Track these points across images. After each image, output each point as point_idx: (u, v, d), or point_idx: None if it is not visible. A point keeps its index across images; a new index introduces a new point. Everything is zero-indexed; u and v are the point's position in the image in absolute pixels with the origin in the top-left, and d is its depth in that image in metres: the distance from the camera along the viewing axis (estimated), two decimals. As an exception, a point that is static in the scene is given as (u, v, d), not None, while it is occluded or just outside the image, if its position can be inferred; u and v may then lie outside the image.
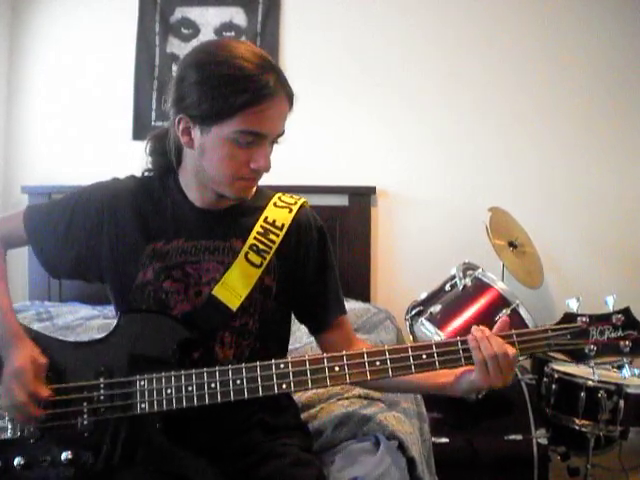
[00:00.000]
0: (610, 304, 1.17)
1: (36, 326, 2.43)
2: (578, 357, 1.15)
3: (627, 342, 1.14)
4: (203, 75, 1.13)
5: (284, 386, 1.12)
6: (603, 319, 1.15)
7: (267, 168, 1.20)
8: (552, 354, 2.46)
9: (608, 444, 2.26)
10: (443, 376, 1.22)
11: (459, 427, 2.15)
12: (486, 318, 1.95)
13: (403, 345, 1.15)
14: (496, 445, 2.09)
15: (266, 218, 1.30)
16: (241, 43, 1.18)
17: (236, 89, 1.10)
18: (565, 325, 1.15)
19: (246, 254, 1.26)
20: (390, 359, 1.13)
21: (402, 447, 1.40)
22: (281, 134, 1.21)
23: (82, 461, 1.11)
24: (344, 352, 1.14)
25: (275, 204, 1.34)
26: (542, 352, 1.17)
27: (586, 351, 1.14)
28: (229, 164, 1.17)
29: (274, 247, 1.27)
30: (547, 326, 1.15)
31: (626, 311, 1.15)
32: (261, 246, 1.27)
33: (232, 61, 1.12)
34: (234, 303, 1.23)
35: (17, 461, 1.11)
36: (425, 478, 1.44)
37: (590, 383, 2.16)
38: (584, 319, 1.15)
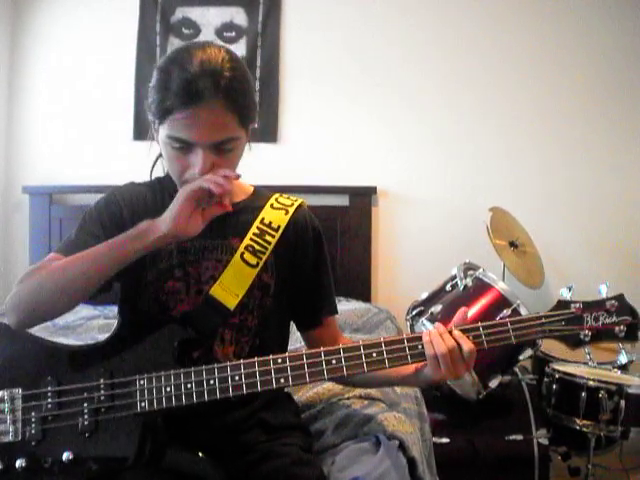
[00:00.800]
0: (603, 292, 1.18)
1: (36, 326, 2.44)
2: (573, 343, 1.16)
3: (622, 327, 1.14)
4: (155, 78, 1.16)
5: (282, 380, 1.13)
6: (597, 305, 1.16)
7: (202, 174, 1.15)
8: (552, 353, 2.47)
9: (609, 444, 2.26)
10: (405, 368, 1.24)
11: (460, 427, 2.15)
12: (487, 318, 1.93)
13: (398, 336, 1.17)
14: (497, 445, 2.09)
15: (262, 219, 1.31)
16: (204, 47, 1.15)
17: (167, 94, 1.11)
18: (559, 311, 1.16)
19: (242, 254, 1.27)
20: (386, 350, 1.15)
21: (403, 447, 1.40)
22: (221, 143, 1.15)
23: (83, 461, 1.12)
24: (341, 345, 1.16)
25: (272, 205, 1.34)
26: (538, 338, 1.19)
27: (581, 337, 1.15)
28: (171, 166, 1.20)
29: (270, 248, 1.28)
30: (541, 313, 1.16)
31: (620, 297, 1.16)
32: (257, 247, 1.28)
33: (177, 65, 1.12)
34: (231, 302, 1.24)
35: (19, 463, 1.12)
36: (426, 478, 1.43)
37: (591, 383, 2.16)
38: (578, 305, 1.16)
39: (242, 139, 1.20)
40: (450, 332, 1.15)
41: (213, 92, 1.10)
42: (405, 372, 1.24)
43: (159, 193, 1.33)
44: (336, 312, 1.42)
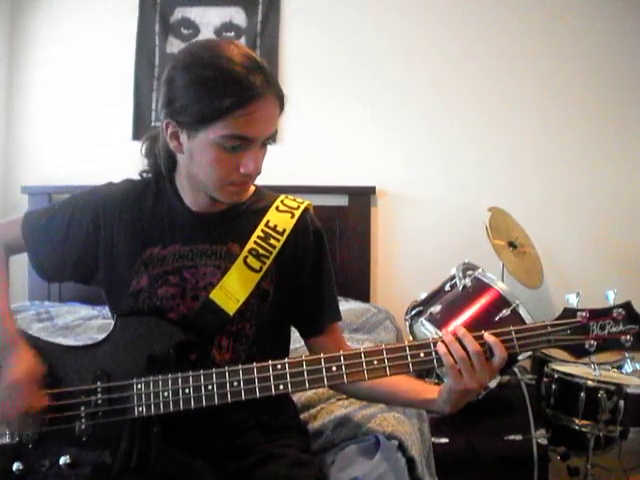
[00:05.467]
0: (610, 298, 1.14)
1: (36, 326, 2.44)
2: (578, 353, 1.13)
3: (628, 337, 1.11)
4: (188, 78, 1.10)
5: (281, 387, 1.11)
6: (603, 314, 1.12)
7: (257, 172, 1.16)
8: (552, 353, 2.46)
9: (608, 444, 2.26)
10: (429, 392, 1.22)
11: (459, 427, 2.15)
12: (486, 318, 1.94)
13: (400, 344, 1.13)
14: (496, 445, 2.09)
15: (267, 222, 1.28)
16: (230, 44, 1.13)
17: (220, 92, 1.07)
18: (565, 320, 1.12)
19: (245, 258, 1.24)
20: (388, 358, 1.11)
21: (402, 447, 1.40)
22: (271, 136, 1.16)
23: (80, 465, 1.11)
24: (341, 352, 1.13)
25: (277, 208, 1.31)
26: (542, 348, 1.16)
27: (586, 346, 1.12)
28: (218, 169, 1.14)
29: (274, 252, 1.25)
30: (546, 322, 1.13)
31: (627, 305, 1.13)
32: (261, 251, 1.25)
33: (217, 63, 1.09)
34: (231, 307, 1.21)
35: (16, 466, 1.11)
36: (425, 478, 1.43)
37: (590, 383, 2.16)
38: (584, 314, 1.12)
39: None
40: (481, 336, 1.10)
41: (266, 86, 1.11)
42: (428, 396, 1.21)
43: (153, 191, 1.30)
44: (339, 319, 1.37)
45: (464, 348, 1.10)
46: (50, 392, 1.14)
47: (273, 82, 1.13)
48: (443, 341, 1.11)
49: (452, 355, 1.09)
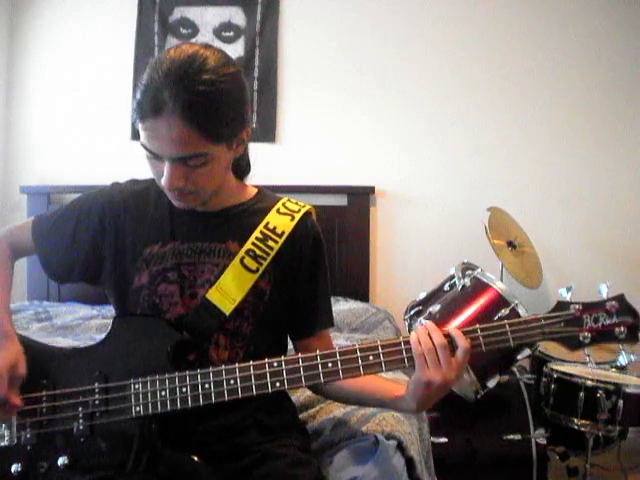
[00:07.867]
0: (604, 292, 1.15)
1: (34, 326, 2.44)
2: (573, 345, 1.14)
3: (622, 328, 1.12)
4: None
5: (278, 384, 1.12)
6: (597, 306, 1.13)
7: (168, 187, 1.13)
8: (551, 352, 2.47)
9: (607, 444, 2.26)
10: (399, 390, 1.21)
11: (458, 427, 2.15)
12: (485, 318, 1.94)
13: (395, 339, 1.14)
14: (495, 445, 2.09)
15: (267, 224, 1.28)
16: (183, 53, 1.08)
17: (137, 101, 1.09)
18: (558, 313, 1.13)
19: (242, 259, 1.24)
20: (383, 353, 1.12)
21: (401, 447, 1.40)
22: (186, 158, 1.09)
23: (79, 466, 1.11)
24: (337, 349, 1.14)
25: (278, 210, 1.31)
26: (537, 341, 1.16)
27: (581, 338, 1.13)
28: (153, 173, 1.17)
29: (272, 254, 1.25)
30: (540, 315, 1.14)
31: (620, 298, 1.14)
32: (258, 252, 1.25)
33: (150, 67, 1.10)
34: (227, 307, 1.22)
35: (14, 468, 1.11)
36: (424, 478, 1.43)
37: (589, 383, 2.16)
38: (577, 307, 1.13)
39: (215, 154, 1.12)
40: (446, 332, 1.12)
41: (171, 106, 1.04)
42: (397, 393, 1.21)
43: (155, 190, 1.30)
44: (331, 325, 1.38)
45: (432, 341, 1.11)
46: (48, 394, 1.14)
47: (185, 103, 1.04)
48: (415, 332, 1.13)
49: (421, 345, 1.11)
